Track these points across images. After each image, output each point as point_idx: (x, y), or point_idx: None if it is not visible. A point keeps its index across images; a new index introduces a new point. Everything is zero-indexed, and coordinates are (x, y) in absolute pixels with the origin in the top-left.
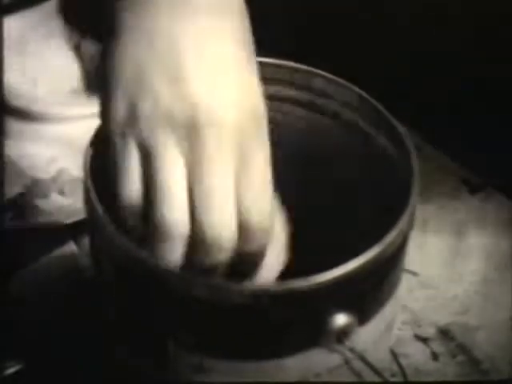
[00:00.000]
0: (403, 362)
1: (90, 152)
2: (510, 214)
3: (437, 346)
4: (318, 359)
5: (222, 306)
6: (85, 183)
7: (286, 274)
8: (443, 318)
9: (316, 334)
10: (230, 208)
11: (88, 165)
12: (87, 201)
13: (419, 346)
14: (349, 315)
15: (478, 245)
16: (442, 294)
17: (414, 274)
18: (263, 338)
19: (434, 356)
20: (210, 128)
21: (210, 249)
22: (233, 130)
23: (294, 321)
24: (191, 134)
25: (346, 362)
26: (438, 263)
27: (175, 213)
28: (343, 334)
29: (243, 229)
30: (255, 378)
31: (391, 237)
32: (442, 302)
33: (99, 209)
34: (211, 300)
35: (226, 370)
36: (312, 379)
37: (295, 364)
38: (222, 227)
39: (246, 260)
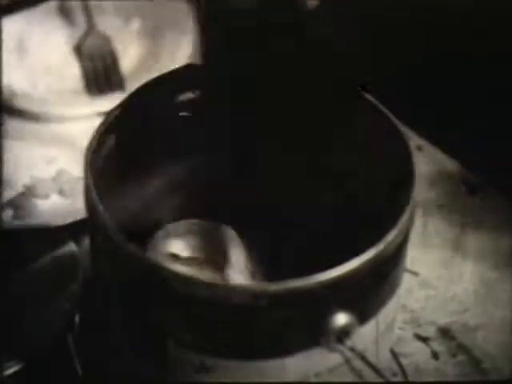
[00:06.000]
0: (403, 361)
1: (91, 151)
2: (509, 213)
3: (437, 346)
4: (319, 359)
5: (222, 305)
6: (85, 183)
7: (286, 274)
8: (443, 318)
9: (316, 333)
10: None
11: (89, 164)
12: (88, 201)
13: (419, 345)
14: (349, 315)
15: (477, 244)
16: (442, 294)
17: (414, 273)
18: (263, 338)
19: (434, 355)
20: None
21: None
22: None
23: (294, 320)
24: None
25: (347, 361)
26: (438, 263)
27: None
28: (343, 333)
29: None
30: (256, 377)
31: (391, 236)
32: (442, 301)
33: (100, 208)
34: (211, 300)
35: (227, 369)
36: (313, 379)
37: (296, 363)
38: None
39: None
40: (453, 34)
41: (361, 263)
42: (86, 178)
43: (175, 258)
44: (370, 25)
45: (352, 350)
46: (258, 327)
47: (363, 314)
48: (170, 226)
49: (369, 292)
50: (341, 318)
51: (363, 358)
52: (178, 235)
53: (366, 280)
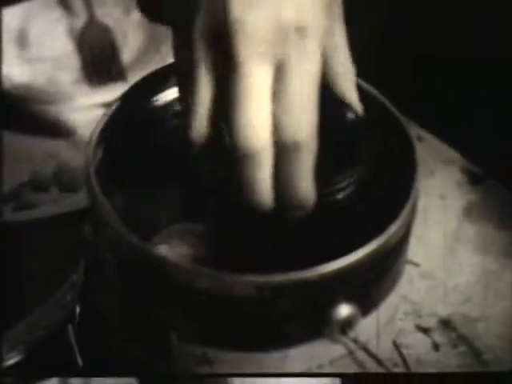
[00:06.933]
0: (404, 352)
1: (93, 143)
2: (511, 204)
3: (438, 337)
4: (322, 350)
5: (225, 297)
6: (87, 174)
7: (288, 265)
8: (444, 309)
9: (319, 324)
10: (261, 121)
11: (90, 156)
12: (89, 191)
13: (420, 336)
14: (352, 306)
15: (478, 235)
16: (443, 285)
17: (415, 264)
18: (267, 329)
19: (435, 346)
20: (238, 37)
21: (246, 161)
22: (264, 39)
23: (297, 312)
24: (221, 45)
25: (350, 352)
26: (439, 254)
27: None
28: (347, 324)
29: (281, 149)
30: (259, 369)
31: (394, 227)
32: (443, 292)
33: (102, 199)
34: (214, 291)
35: (230, 361)
36: (315, 370)
37: (299, 355)
38: (253, 135)
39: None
40: (455, 25)
41: (364, 255)
42: (88, 169)
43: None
44: (368, 20)
45: (355, 341)
46: (261, 319)
47: (366, 306)
48: (174, 227)
49: (372, 283)
50: (344, 310)
51: (366, 349)
52: (180, 235)
53: (369, 271)
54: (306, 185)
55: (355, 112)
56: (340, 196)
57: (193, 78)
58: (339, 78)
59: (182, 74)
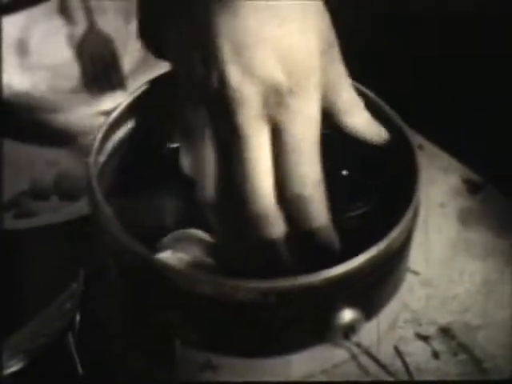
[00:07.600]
0: None
1: (94, 151)
2: (511, 213)
3: (437, 345)
4: (325, 355)
5: (228, 303)
6: (89, 182)
7: (290, 271)
8: (444, 317)
9: (323, 329)
10: (265, 181)
11: (92, 163)
12: (91, 199)
13: (420, 344)
14: (355, 311)
15: (478, 244)
16: (443, 293)
17: (415, 273)
18: (270, 335)
19: (435, 354)
20: (235, 104)
21: (257, 221)
22: (260, 103)
23: (300, 317)
24: (219, 111)
25: (353, 357)
26: (439, 262)
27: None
28: (350, 329)
29: (291, 203)
30: (262, 374)
31: (396, 232)
32: (443, 300)
33: (104, 207)
34: (217, 297)
35: (234, 367)
36: (319, 375)
37: (302, 360)
38: (260, 196)
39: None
40: (455, 25)
41: (366, 259)
42: (89, 176)
43: (180, 259)
44: (369, 23)
45: (358, 345)
46: (265, 324)
47: (369, 310)
48: (177, 233)
49: (374, 288)
50: (347, 314)
51: (369, 354)
52: (183, 241)
53: (371, 276)
54: (322, 225)
55: (371, 142)
56: (350, 224)
57: (197, 144)
58: (345, 114)
59: (184, 131)
